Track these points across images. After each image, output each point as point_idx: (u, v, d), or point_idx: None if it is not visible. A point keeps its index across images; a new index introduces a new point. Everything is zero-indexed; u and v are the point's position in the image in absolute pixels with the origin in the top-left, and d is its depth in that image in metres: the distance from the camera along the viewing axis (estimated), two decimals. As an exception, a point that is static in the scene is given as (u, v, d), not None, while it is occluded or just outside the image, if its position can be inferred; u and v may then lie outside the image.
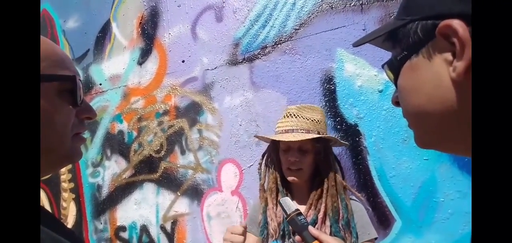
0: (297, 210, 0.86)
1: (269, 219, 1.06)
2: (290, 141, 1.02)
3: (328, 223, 1.00)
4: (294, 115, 1.05)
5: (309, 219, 1.01)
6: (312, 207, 1.04)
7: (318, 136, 1.01)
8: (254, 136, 1.18)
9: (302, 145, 1.02)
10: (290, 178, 1.05)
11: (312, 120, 1.04)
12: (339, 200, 1.02)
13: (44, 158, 0.41)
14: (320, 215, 1.01)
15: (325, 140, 1.06)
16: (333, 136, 1.05)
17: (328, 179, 1.03)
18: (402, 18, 0.33)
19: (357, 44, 0.41)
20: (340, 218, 1.00)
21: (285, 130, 1.04)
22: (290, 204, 0.88)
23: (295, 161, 1.02)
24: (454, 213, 1.28)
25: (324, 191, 1.03)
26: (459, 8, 0.28)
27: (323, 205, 1.02)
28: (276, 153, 1.11)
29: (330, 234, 0.98)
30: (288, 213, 0.86)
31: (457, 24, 0.27)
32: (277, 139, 1.04)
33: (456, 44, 0.28)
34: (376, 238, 1.05)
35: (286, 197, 0.94)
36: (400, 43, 0.34)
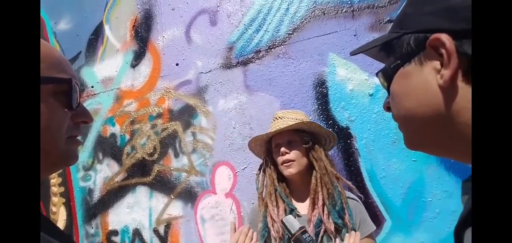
0: (302, 227, 0.87)
1: (269, 223, 1.10)
2: (280, 137, 1.13)
3: (331, 219, 1.05)
4: (280, 117, 1.18)
5: (314, 219, 1.06)
6: (315, 207, 1.09)
7: (299, 122, 1.11)
8: (249, 142, 1.22)
9: (290, 138, 1.13)
10: (286, 172, 1.11)
11: (296, 119, 1.14)
12: (332, 186, 1.09)
13: None
14: (320, 203, 1.07)
15: (313, 136, 1.15)
16: (315, 122, 1.13)
17: (320, 169, 1.11)
18: (397, 31, 0.38)
19: (354, 53, 0.44)
20: (336, 204, 1.07)
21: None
22: (294, 223, 0.88)
23: (286, 152, 1.10)
24: (441, 212, 1.33)
25: (318, 181, 1.10)
26: (447, 24, 0.32)
27: (320, 194, 1.08)
28: (270, 156, 1.19)
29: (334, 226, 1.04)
30: (293, 232, 0.86)
31: (445, 37, 0.32)
32: (265, 136, 1.17)
33: (444, 55, 0.32)
34: (375, 230, 1.14)
35: (289, 216, 0.98)
36: (394, 53, 0.39)
